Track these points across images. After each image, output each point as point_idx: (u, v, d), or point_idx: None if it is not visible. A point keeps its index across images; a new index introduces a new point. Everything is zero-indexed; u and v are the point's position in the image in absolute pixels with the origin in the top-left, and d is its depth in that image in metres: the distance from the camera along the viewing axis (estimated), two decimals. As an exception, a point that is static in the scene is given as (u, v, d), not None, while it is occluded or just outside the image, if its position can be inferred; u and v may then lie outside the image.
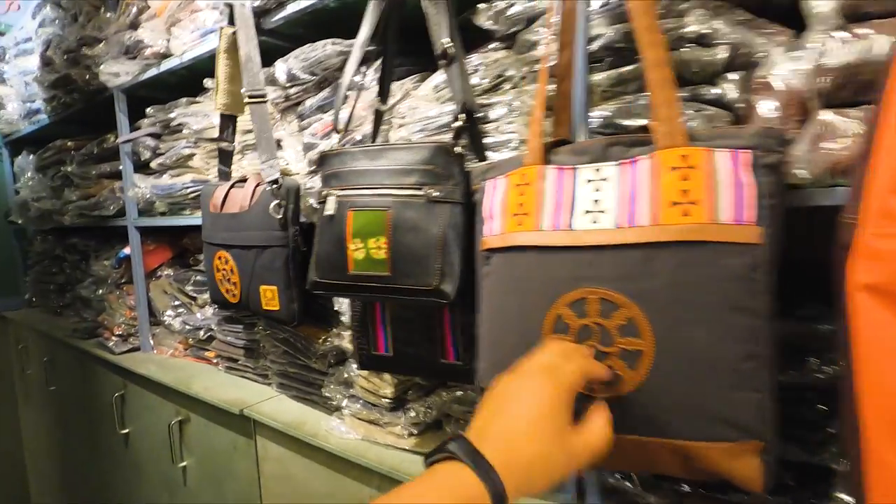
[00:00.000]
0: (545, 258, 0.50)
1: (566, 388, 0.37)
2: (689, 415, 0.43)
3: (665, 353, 0.43)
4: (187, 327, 1.38)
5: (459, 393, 0.81)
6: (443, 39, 0.64)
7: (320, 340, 0.98)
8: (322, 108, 0.97)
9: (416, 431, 0.85)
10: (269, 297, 0.87)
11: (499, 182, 0.57)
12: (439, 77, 0.83)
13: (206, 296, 1.34)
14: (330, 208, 0.65)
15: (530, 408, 0.35)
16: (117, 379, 1.50)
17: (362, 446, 0.87)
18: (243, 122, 1.07)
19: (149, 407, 1.39)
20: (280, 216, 0.84)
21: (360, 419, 0.92)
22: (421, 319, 0.69)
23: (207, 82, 1.21)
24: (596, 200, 0.48)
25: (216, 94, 1.01)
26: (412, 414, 0.85)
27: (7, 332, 2.23)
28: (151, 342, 1.53)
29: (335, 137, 0.92)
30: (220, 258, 0.95)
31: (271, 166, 0.87)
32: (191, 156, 1.30)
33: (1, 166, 2.25)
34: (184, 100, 1.29)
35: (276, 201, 0.84)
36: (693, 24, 0.63)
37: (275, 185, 0.85)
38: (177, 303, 1.47)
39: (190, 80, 1.32)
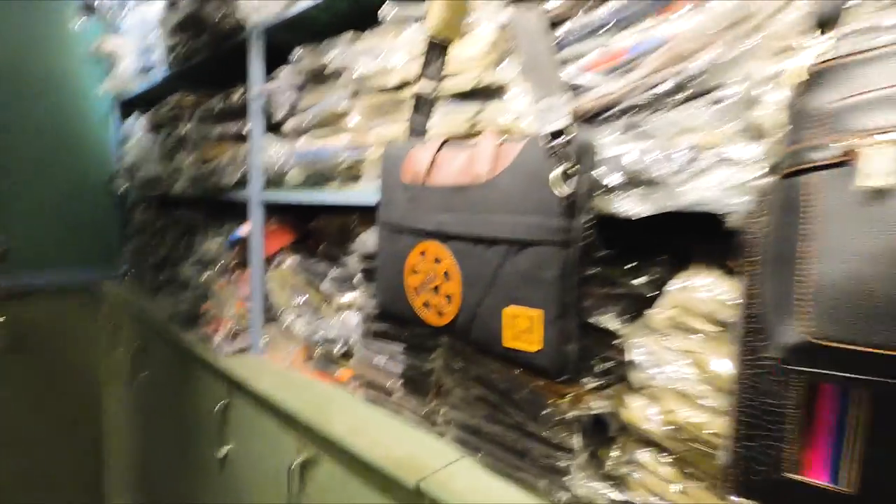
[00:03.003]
0: None
1: None
2: None
3: None
4: (317, 336, 1.07)
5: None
6: None
7: (564, 399, 0.62)
8: (603, 30, 0.60)
9: None
10: (523, 326, 0.52)
11: None
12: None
13: (348, 297, 1.02)
14: (876, 173, 0.28)
15: None
16: (221, 386, 1.23)
17: None
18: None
19: (260, 430, 1.09)
20: (570, 191, 0.49)
21: (636, 542, 0.55)
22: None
23: (387, 11, 0.88)
24: None
25: (429, 12, 0.68)
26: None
27: (99, 306, 2.07)
28: (264, 344, 1.24)
29: (633, 75, 0.56)
30: (423, 253, 0.62)
31: (550, 108, 0.51)
32: (344, 113, 0.99)
33: (107, 129, 2.08)
34: (348, 34, 0.98)
35: (565, 166, 0.49)
36: None
37: (562, 140, 0.49)
38: (300, 299, 1.17)
39: (351, 17, 1.01)
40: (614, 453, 0.57)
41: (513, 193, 0.53)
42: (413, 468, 0.73)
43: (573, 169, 0.48)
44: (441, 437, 0.82)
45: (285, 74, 1.14)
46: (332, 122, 1.02)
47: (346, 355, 1.02)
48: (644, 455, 0.54)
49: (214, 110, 1.33)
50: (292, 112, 1.14)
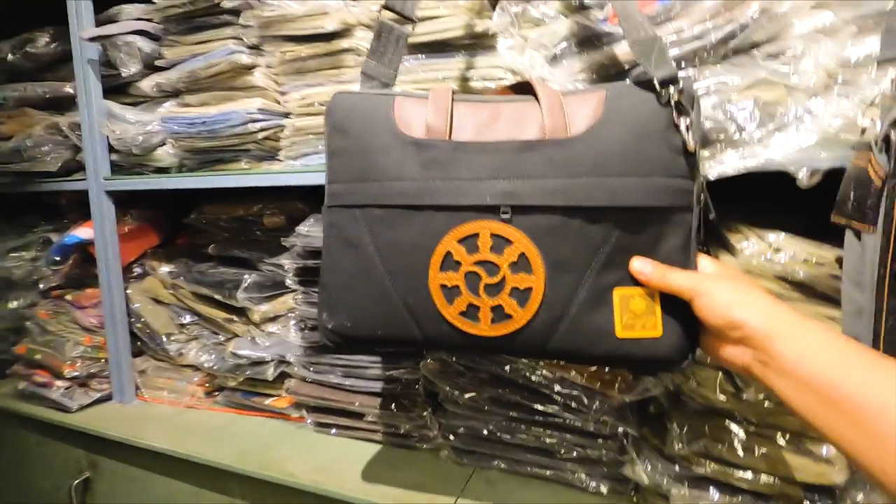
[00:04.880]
0: None
1: None
2: None
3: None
4: (228, 362, 0.82)
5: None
6: None
7: (617, 386, 0.57)
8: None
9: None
10: (640, 309, 0.43)
11: None
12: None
13: (267, 307, 0.81)
14: None
15: None
16: (72, 455, 0.88)
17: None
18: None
19: (159, 499, 0.81)
20: (695, 146, 0.42)
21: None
22: None
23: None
24: None
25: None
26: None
27: None
28: (137, 384, 0.92)
29: (678, 24, 0.51)
30: (467, 239, 0.47)
31: (653, 52, 0.43)
32: (250, 68, 0.75)
33: None
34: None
35: (686, 119, 0.41)
36: None
37: (676, 88, 0.42)
38: (188, 319, 0.90)
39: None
40: (678, 431, 0.54)
41: (619, 150, 0.42)
42: (430, 501, 0.61)
43: (692, 121, 0.42)
44: (436, 454, 0.70)
45: (132, 13, 0.83)
46: (224, 81, 0.77)
47: (279, 379, 0.81)
48: (716, 427, 0.52)
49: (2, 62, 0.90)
50: (151, 67, 0.84)
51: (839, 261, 0.46)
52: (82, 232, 0.90)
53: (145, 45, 0.83)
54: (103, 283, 0.89)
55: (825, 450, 0.48)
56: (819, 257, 0.46)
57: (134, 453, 0.81)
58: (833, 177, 0.44)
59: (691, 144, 0.41)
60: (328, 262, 0.51)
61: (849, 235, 0.42)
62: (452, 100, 0.50)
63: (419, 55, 0.65)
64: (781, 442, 0.50)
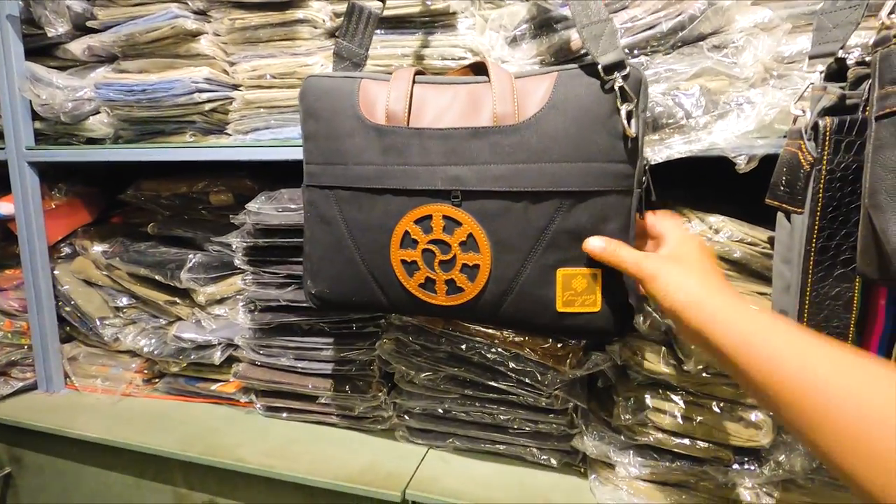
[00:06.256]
0: None
1: None
2: None
3: None
4: (170, 346, 0.78)
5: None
6: None
7: (568, 361, 0.59)
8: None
9: (776, 494, 0.55)
10: (581, 287, 0.45)
11: None
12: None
13: (213, 288, 0.77)
14: None
15: None
16: (-8, 447, 0.81)
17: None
18: None
19: (90, 493, 0.76)
20: (634, 133, 0.43)
21: (646, 481, 0.57)
22: None
23: None
24: None
25: None
26: (774, 466, 0.54)
27: None
28: (66, 372, 0.86)
29: (632, 12, 0.53)
30: (422, 220, 0.48)
31: (600, 37, 0.44)
32: (195, 35, 0.71)
33: None
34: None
35: (628, 105, 0.43)
36: None
37: (620, 74, 0.43)
38: (124, 301, 0.84)
39: None
40: (624, 403, 0.56)
41: (561, 136, 0.44)
42: (386, 479, 0.61)
43: (636, 107, 0.43)
44: (391, 434, 0.70)
45: (60, -32, 0.76)
46: (166, 47, 0.72)
47: (226, 363, 0.78)
48: (658, 398, 0.56)
49: None
50: (82, 28, 0.77)
51: (771, 241, 0.49)
52: (0, 207, 0.82)
53: (75, 3, 0.76)
54: (26, 263, 0.81)
55: (754, 416, 0.52)
56: (753, 237, 0.50)
57: (63, 445, 0.75)
58: (767, 163, 0.48)
59: (630, 131, 0.43)
60: (309, 235, 0.54)
61: (780, 216, 0.46)
62: (415, 82, 0.50)
63: (378, 30, 0.64)
64: (717, 410, 0.54)
